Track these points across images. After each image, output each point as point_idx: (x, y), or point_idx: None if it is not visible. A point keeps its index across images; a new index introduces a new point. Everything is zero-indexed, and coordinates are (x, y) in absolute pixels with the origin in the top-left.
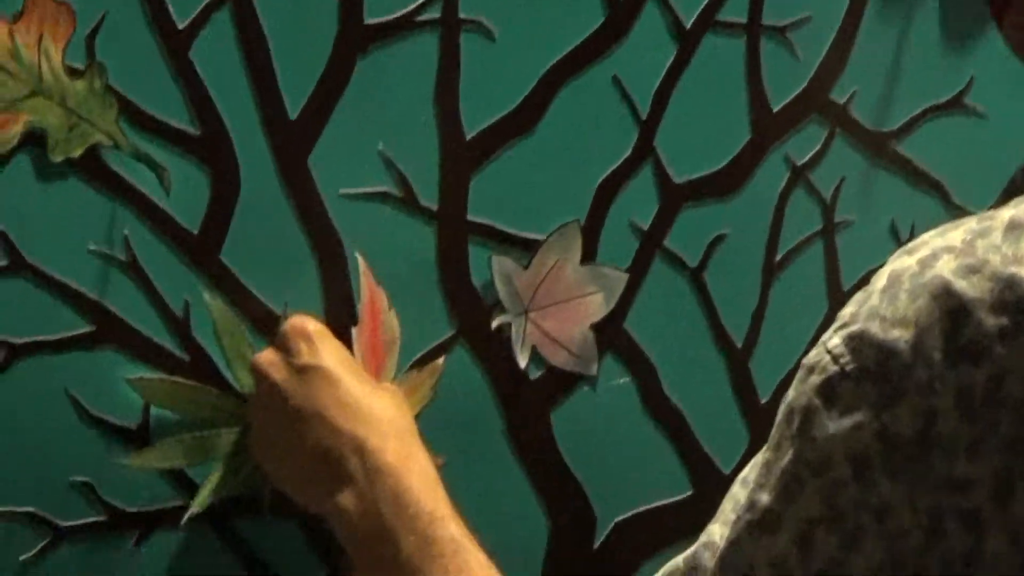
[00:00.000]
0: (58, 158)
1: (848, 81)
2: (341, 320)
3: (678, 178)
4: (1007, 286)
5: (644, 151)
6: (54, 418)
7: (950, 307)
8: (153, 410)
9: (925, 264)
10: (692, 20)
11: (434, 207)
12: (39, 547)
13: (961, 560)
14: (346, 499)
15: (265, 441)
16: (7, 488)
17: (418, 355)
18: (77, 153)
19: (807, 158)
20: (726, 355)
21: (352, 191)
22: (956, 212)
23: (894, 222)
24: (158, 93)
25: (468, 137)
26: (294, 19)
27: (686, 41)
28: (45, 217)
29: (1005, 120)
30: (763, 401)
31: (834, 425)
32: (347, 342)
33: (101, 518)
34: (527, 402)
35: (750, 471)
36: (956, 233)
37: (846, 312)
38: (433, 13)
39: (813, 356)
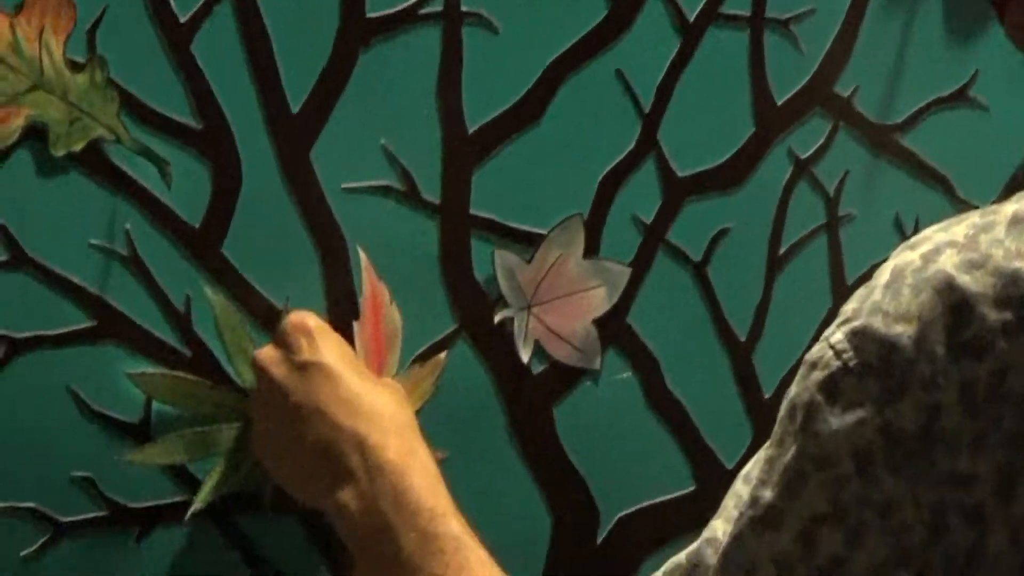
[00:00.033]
0: (59, 152)
1: (852, 74)
2: (343, 315)
3: (681, 172)
4: (1010, 281)
5: (647, 145)
6: (55, 413)
7: (953, 302)
8: (154, 405)
9: (928, 259)
10: (695, 13)
11: (436, 201)
12: (40, 543)
13: (964, 557)
14: (347, 496)
15: (266, 438)
16: (8, 484)
17: (420, 350)
18: (78, 147)
19: (811, 152)
20: (729, 349)
21: (354, 185)
22: (961, 206)
23: (898, 216)
24: (159, 87)
25: (470, 131)
26: (296, 12)
27: (689, 34)
28: (46, 211)
29: (1009, 113)
30: (767, 396)
31: (837, 421)
32: (349, 337)
33: (102, 514)
34: (529, 397)
35: (753, 467)
36: (959, 228)
37: (848, 307)
38: (435, 6)
39: (816, 352)
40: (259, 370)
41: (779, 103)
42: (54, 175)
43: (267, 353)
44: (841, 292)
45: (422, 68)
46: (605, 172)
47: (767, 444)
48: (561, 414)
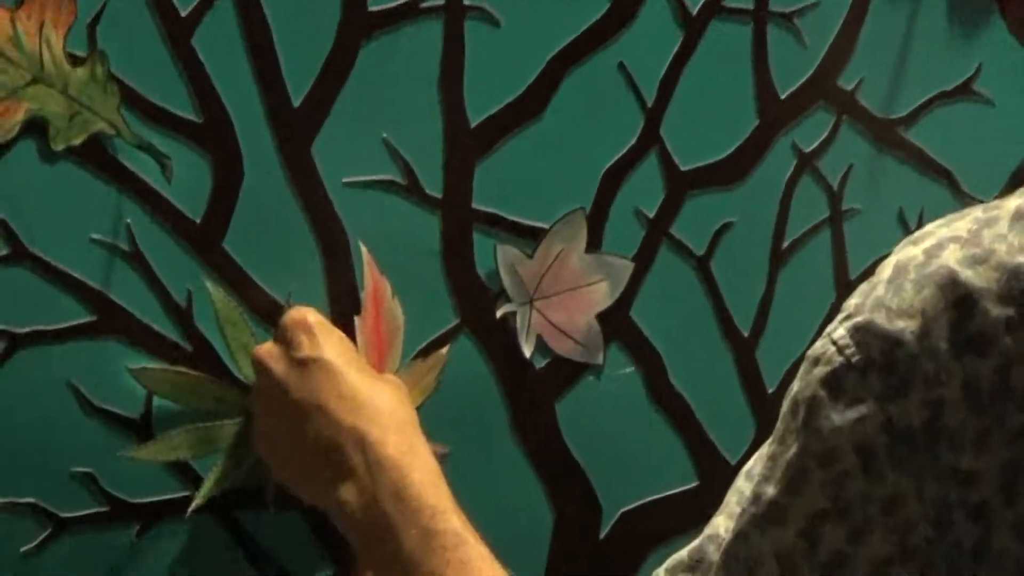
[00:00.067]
0: (59, 146)
1: (855, 68)
2: (344, 310)
3: (684, 166)
4: (1013, 276)
5: (650, 138)
6: (56, 408)
7: (956, 297)
8: (155, 400)
9: (931, 254)
10: (698, 6)
11: (438, 195)
12: (40, 539)
13: (969, 555)
14: (347, 493)
15: (266, 435)
16: (8, 479)
17: (422, 345)
18: (79, 141)
19: (814, 145)
20: (733, 344)
21: (355, 179)
22: (965, 200)
23: (902, 210)
24: (160, 81)
25: (473, 125)
26: (297, 5)
27: (692, 27)
28: (47, 206)
29: (1014, 107)
30: (770, 391)
31: (840, 417)
32: (350, 332)
33: (103, 509)
34: (532, 392)
35: (755, 464)
36: (962, 223)
37: (851, 303)
38: (437, 0)
39: (818, 347)
40: (259, 366)
41: (782, 97)
42: (54, 169)
43: (267, 349)
44: (845, 286)
45: (424, 62)
46: (608, 166)
47: (769, 440)
48: (563, 409)
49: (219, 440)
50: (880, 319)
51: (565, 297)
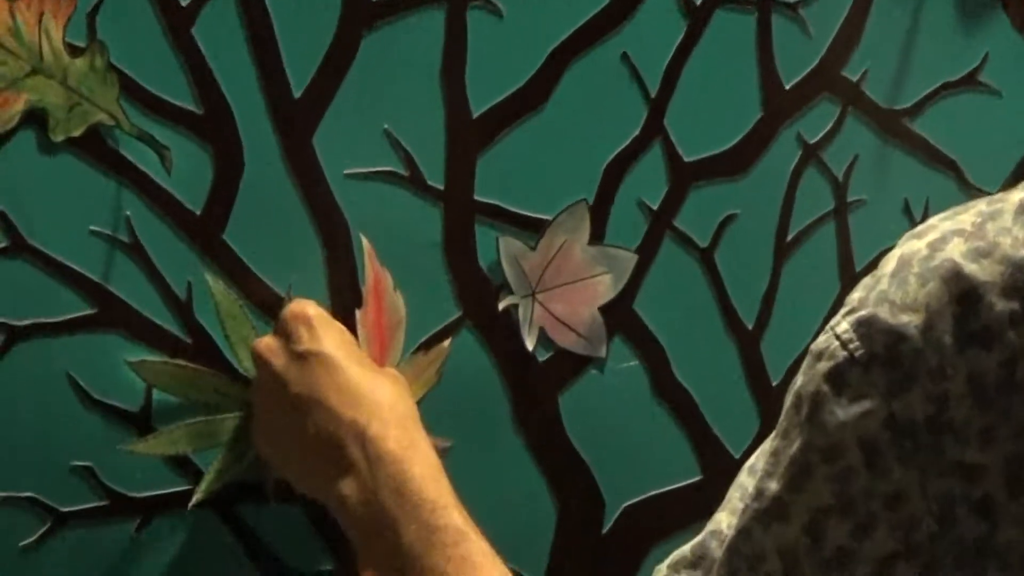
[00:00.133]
0: (59, 138)
1: (860, 58)
2: (345, 302)
3: (688, 157)
4: (1018, 269)
5: (653, 129)
6: (55, 402)
7: (961, 291)
8: (155, 393)
9: (935, 247)
10: None
11: (440, 187)
12: (40, 533)
13: (973, 550)
14: (347, 487)
15: (266, 429)
16: (7, 473)
17: (424, 337)
18: (78, 133)
19: (819, 136)
20: (737, 337)
21: (357, 171)
22: (970, 191)
23: (907, 201)
24: (160, 71)
25: (475, 116)
26: None
27: (696, 18)
28: (46, 198)
29: (1019, 98)
30: (774, 384)
31: (843, 412)
32: (351, 325)
33: (102, 503)
34: (534, 385)
35: (757, 459)
36: (966, 216)
37: (854, 297)
38: None
39: (821, 342)
40: (259, 360)
41: (787, 87)
42: (54, 161)
43: (267, 343)
44: (850, 278)
45: (426, 52)
46: (611, 157)
47: (772, 435)
48: (566, 402)
49: (219, 434)
50: (884, 313)
51: (568, 289)
